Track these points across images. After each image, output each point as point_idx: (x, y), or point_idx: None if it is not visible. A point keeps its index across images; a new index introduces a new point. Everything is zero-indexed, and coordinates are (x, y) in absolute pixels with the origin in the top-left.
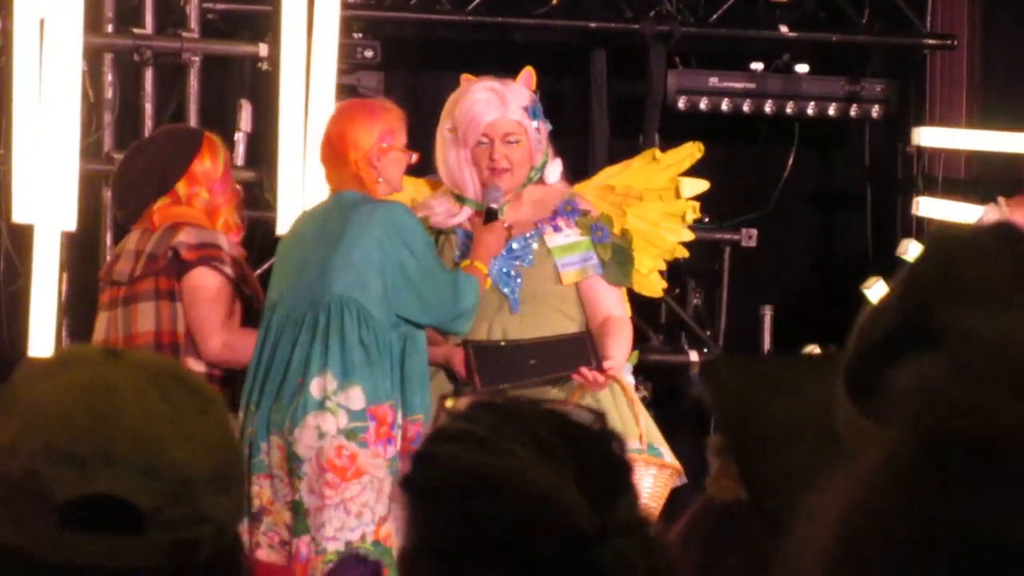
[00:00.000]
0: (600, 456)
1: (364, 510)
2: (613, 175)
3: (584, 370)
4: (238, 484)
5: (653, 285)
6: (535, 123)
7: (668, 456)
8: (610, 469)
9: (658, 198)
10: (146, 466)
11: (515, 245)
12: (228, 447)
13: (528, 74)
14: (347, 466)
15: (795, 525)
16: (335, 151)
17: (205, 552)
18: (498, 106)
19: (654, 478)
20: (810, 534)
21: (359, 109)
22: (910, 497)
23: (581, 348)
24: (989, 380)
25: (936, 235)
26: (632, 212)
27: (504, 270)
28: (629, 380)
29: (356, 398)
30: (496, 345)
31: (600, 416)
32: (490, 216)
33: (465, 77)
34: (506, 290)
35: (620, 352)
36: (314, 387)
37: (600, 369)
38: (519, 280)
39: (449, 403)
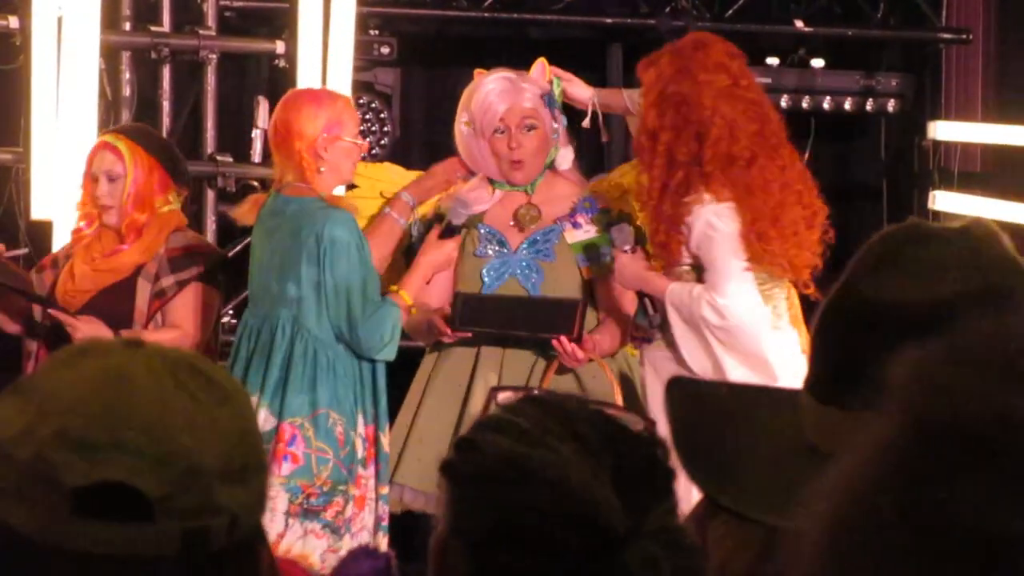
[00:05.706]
0: (641, 460)
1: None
2: (625, 173)
3: (563, 339)
4: (257, 477)
5: None
6: (551, 111)
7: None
8: (650, 473)
9: None
10: (157, 454)
11: (538, 238)
12: (246, 439)
13: (541, 65)
14: None
15: (792, 517)
16: (280, 139)
17: (218, 542)
18: (513, 93)
19: None
20: (804, 523)
21: (305, 97)
22: (902, 483)
23: (569, 314)
24: (983, 367)
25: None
26: (643, 217)
27: (525, 264)
28: None
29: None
30: (485, 296)
31: (650, 422)
32: (449, 232)
33: (478, 72)
34: (528, 285)
35: (606, 337)
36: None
37: (579, 342)
38: (540, 275)
39: (501, 396)
